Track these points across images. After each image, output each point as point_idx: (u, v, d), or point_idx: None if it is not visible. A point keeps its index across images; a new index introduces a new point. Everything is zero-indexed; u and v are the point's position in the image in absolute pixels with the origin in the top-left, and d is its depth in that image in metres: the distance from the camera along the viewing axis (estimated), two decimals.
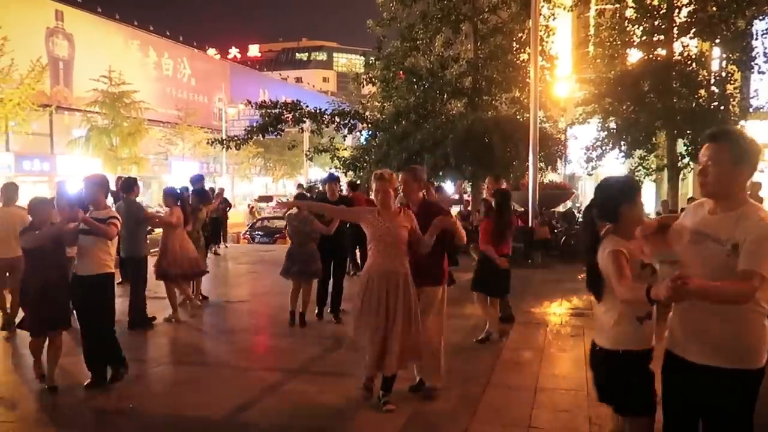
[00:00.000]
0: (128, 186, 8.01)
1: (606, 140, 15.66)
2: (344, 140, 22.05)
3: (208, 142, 18.42)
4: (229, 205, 18.09)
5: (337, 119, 16.50)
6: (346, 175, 16.05)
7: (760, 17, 14.28)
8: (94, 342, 5.44)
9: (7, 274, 7.62)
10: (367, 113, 18.15)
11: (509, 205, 7.81)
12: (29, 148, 31.84)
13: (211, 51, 62.15)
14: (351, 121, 16.72)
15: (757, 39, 14.29)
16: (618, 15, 15.82)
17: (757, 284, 2.45)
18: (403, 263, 4.74)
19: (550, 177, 17.21)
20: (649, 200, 16.89)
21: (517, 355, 6.59)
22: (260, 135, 16.79)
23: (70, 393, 5.40)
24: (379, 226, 4.74)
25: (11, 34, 26.70)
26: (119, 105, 31.93)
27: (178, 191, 8.66)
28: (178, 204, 8.29)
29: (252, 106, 16.96)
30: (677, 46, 14.99)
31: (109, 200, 7.02)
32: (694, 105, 14.60)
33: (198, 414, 4.95)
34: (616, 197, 2.97)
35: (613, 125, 15.69)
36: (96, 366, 5.46)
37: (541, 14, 14.62)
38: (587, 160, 15.96)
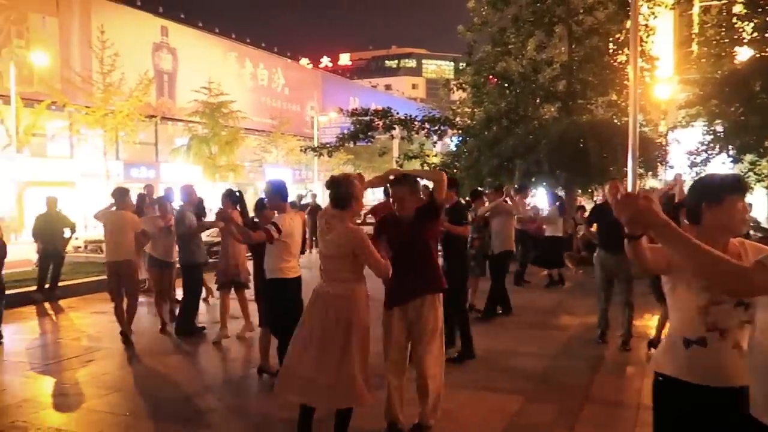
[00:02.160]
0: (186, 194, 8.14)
1: (712, 144, 14.83)
2: (434, 147, 21.99)
3: (301, 150, 18.87)
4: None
5: (427, 125, 16.48)
6: None
7: None
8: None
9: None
10: (458, 119, 18.03)
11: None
12: (136, 156, 33.87)
13: (304, 61, 63.80)
14: (441, 127, 16.66)
15: None
16: (725, 11, 14.94)
17: (756, 271, 1.95)
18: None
19: (650, 183, 16.46)
20: (761, 208, 15.80)
21: (617, 369, 6.30)
22: (351, 142, 17.02)
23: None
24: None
25: (121, 50, 28.58)
26: (218, 115, 33.32)
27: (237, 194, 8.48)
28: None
29: (344, 114, 17.24)
30: None
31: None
32: None
33: None
34: (698, 196, 2.44)
35: (719, 128, 14.82)
36: None
37: (640, 13, 14.02)
38: (691, 165, 15.15)
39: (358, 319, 3.90)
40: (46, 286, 10.04)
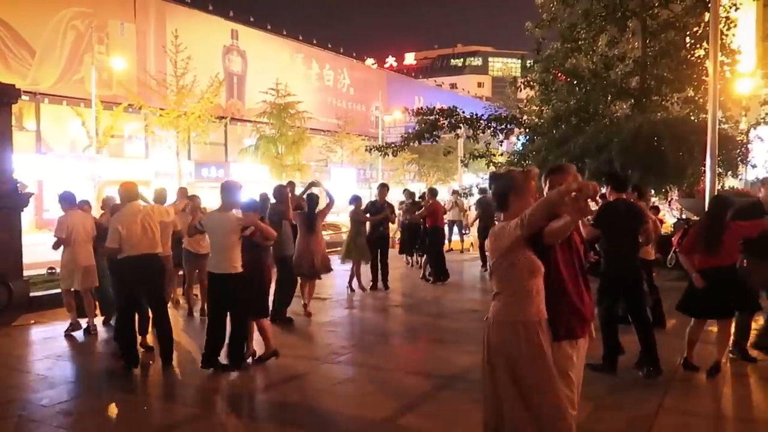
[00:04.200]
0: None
1: None
2: (500, 146, 21.69)
3: (366, 149, 18.94)
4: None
5: (493, 124, 16.23)
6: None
7: None
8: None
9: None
10: (524, 117, 17.67)
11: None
12: (207, 156, 34.93)
13: (369, 61, 64.23)
14: (507, 126, 16.36)
15: None
16: None
17: None
18: None
19: (730, 183, 15.66)
20: None
21: (693, 377, 6.00)
22: (416, 141, 16.95)
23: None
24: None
25: (194, 53, 29.53)
26: (285, 115, 33.94)
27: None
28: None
29: (409, 113, 17.18)
30: None
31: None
32: None
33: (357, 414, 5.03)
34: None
35: None
36: None
37: (720, 5, 13.35)
38: None
39: None
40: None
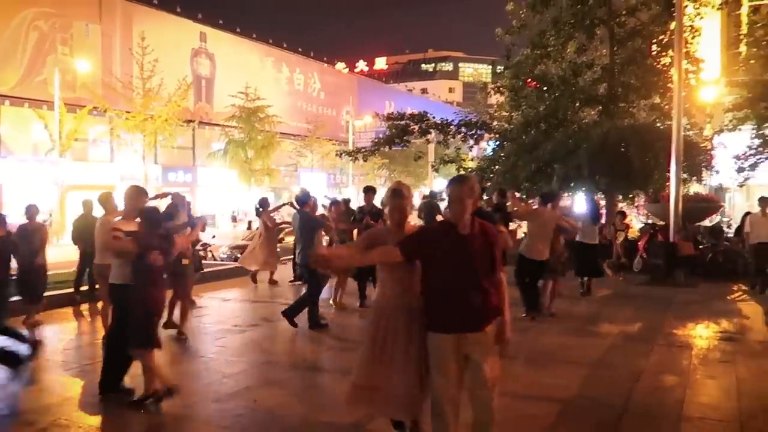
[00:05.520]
0: (303, 199, 8.52)
1: (761, 148, 14.32)
2: (470, 151, 21.79)
3: (336, 154, 18.88)
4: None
5: (464, 129, 16.31)
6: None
7: None
8: None
9: None
10: (495, 123, 17.79)
11: None
12: (174, 160, 34.43)
13: (340, 65, 64.19)
14: (477, 131, 16.46)
15: None
16: None
17: None
18: None
19: (695, 188, 15.96)
20: None
21: (658, 380, 6.04)
22: (387, 146, 16.95)
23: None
24: None
25: (161, 56, 29.11)
26: (254, 119, 33.69)
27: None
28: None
29: (380, 118, 17.18)
30: None
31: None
32: None
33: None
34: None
35: None
36: None
37: (685, 14, 13.62)
38: (738, 170, 14.67)
39: None
40: (84, 288, 10.14)
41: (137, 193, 5.72)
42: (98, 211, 9.32)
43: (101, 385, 5.36)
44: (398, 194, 3.92)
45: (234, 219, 35.13)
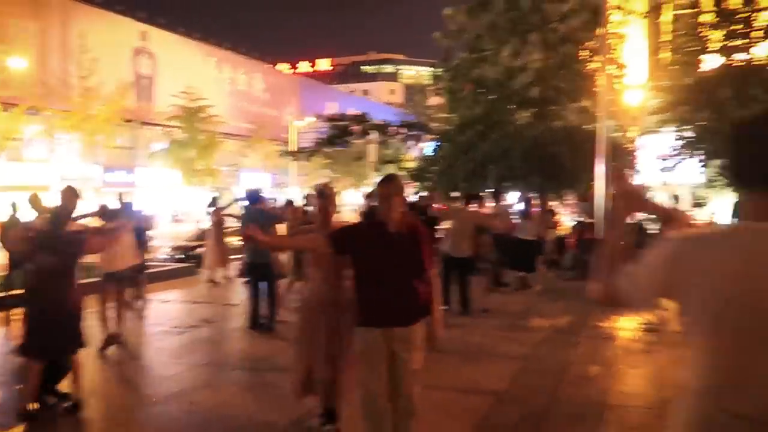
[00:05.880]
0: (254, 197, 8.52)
1: (682, 149, 15.10)
2: (407, 151, 22.15)
3: (279, 154, 18.91)
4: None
5: (403, 130, 16.61)
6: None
7: None
8: None
9: None
10: (434, 125, 18.18)
11: None
12: (114, 160, 33.54)
13: (284, 66, 63.75)
14: (416, 132, 16.79)
15: None
16: (695, 20, 15.25)
17: None
18: None
19: None
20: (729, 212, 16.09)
21: (584, 370, 6.43)
22: (328, 147, 17.10)
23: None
24: None
25: (101, 54, 28.38)
26: (195, 119, 33.17)
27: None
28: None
29: (321, 119, 17.32)
30: (758, 51, 14.32)
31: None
32: None
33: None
34: None
35: (689, 134, 15.10)
36: None
37: (611, 22, 14.27)
38: (661, 169, 15.42)
39: None
40: (13, 291, 9.86)
41: (69, 194, 5.80)
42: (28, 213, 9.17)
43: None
44: (322, 194, 4.23)
45: (176, 220, 34.48)
